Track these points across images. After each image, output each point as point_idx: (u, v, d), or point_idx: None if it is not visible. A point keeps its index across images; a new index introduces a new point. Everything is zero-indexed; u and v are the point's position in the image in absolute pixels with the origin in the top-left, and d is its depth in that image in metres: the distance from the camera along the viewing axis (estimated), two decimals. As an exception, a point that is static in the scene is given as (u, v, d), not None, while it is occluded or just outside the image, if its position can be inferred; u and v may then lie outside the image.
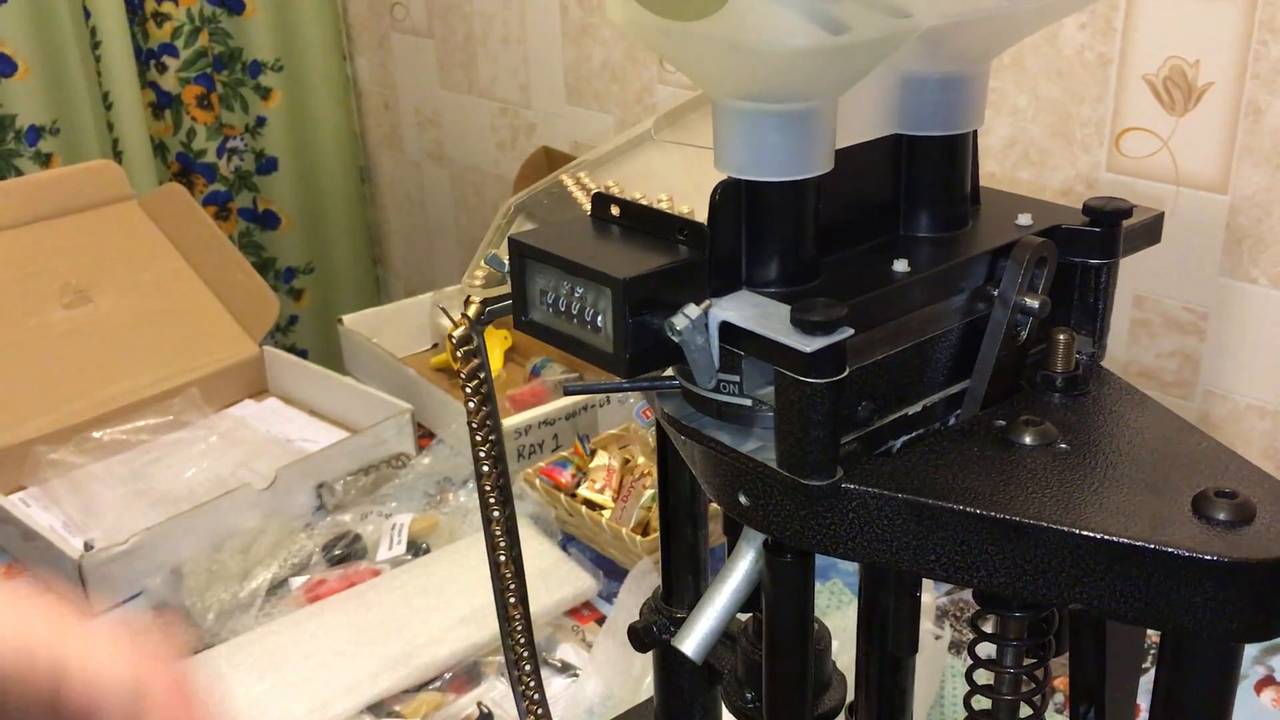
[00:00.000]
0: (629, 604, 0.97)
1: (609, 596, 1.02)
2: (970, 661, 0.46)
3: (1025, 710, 0.48)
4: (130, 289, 1.36)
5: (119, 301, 1.34)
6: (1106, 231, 0.45)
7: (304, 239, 1.97)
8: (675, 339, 0.37)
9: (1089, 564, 0.37)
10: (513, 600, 0.54)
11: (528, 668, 0.55)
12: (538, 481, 1.11)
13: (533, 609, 0.97)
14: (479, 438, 0.50)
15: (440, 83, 1.78)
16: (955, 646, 0.96)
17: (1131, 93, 1.04)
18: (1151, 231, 0.49)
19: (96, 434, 1.22)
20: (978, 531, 0.38)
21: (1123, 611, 0.37)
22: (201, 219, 1.43)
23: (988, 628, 0.47)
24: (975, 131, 0.45)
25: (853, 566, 1.03)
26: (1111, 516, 0.37)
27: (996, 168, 1.15)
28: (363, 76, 1.95)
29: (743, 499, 0.41)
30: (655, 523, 1.05)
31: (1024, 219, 0.45)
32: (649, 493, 1.06)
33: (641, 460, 1.10)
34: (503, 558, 0.52)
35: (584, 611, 1.02)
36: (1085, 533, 0.36)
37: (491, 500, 0.51)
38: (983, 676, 0.47)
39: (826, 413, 0.37)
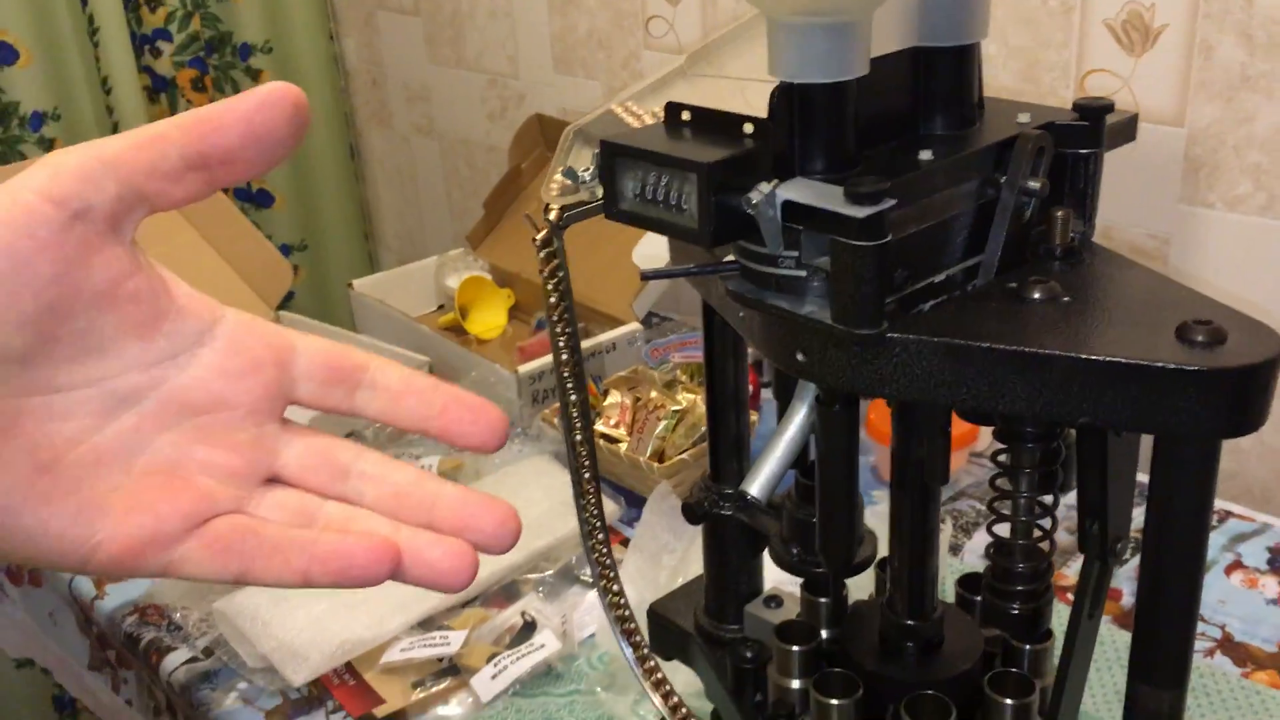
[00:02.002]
0: (652, 523, 1.05)
1: (630, 521, 1.10)
2: (993, 493, 0.54)
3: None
4: (149, 261, 1.41)
5: (140, 273, 1.40)
6: (1093, 125, 0.53)
7: (297, 216, 2.04)
8: (751, 211, 0.45)
9: (1094, 383, 0.45)
10: (587, 476, 0.61)
11: (600, 537, 0.62)
12: (556, 421, 1.19)
13: (561, 534, 1.06)
14: (558, 330, 0.57)
15: (428, 58, 1.85)
16: (954, 549, 1.05)
17: (1093, 37, 1.12)
18: (1128, 129, 0.57)
19: (129, 397, 1.28)
20: (1001, 364, 0.46)
21: (1123, 422, 0.45)
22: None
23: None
24: (979, 44, 0.53)
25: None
26: (1111, 345, 0.45)
27: (970, 113, 1.24)
28: (350, 56, 2.01)
29: (800, 356, 0.49)
30: (669, 451, 1.13)
31: (1023, 117, 0.53)
32: (662, 424, 1.14)
33: (654, 395, 1.18)
34: (579, 436, 0.60)
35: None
36: (1090, 357, 0.44)
37: (569, 385, 0.59)
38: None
39: (874, 271, 0.45)
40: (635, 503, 1.11)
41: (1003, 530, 0.56)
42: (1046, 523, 0.55)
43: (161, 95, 1.86)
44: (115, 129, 1.77)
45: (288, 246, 2.04)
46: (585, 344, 1.31)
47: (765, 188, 0.45)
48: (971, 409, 0.48)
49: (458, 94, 1.83)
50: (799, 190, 0.46)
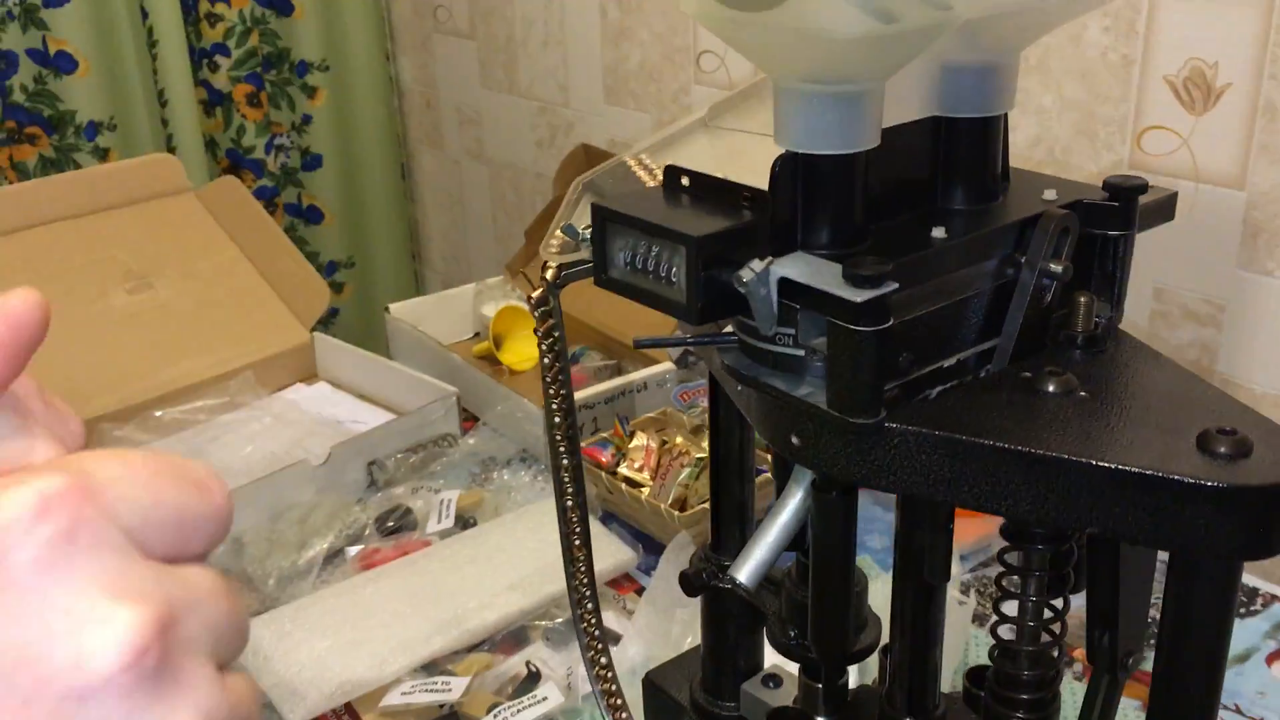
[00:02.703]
0: (668, 574, 1.02)
1: (647, 569, 1.07)
2: (998, 594, 0.51)
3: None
4: (188, 276, 1.42)
5: (178, 288, 1.40)
6: (1124, 205, 0.50)
7: (346, 234, 2.04)
8: (741, 290, 0.42)
9: (1104, 492, 0.41)
10: (578, 543, 0.59)
11: (590, 606, 0.60)
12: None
13: (576, 579, 1.03)
14: (551, 391, 0.55)
15: (481, 82, 1.84)
16: (979, 619, 1.00)
17: (1153, 93, 1.08)
18: (1165, 209, 0.54)
19: (158, 413, 1.28)
20: (1005, 464, 0.43)
21: (1134, 535, 0.42)
22: (255, 211, 1.49)
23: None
24: (1006, 115, 0.50)
25: (877, 544, 1.07)
26: (1125, 450, 0.42)
27: (1022, 164, 1.20)
28: (405, 76, 2.01)
29: (794, 439, 0.46)
30: (692, 499, 1.10)
31: (1049, 194, 0.50)
32: (686, 470, 1.11)
33: (679, 441, 1.15)
34: (570, 503, 0.58)
35: (624, 583, 1.07)
36: (1101, 464, 0.41)
37: (561, 449, 0.56)
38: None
39: (873, 358, 0.42)
40: (654, 549, 1.09)
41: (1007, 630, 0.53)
42: (1056, 626, 0.51)
43: (217, 109, 1.87)
44: (169, 141, 1.78)
45: (335, 264, 2.05)
46: (616, 381, 1.28)
47: (757, 265, 0.42)
48: (973, 507, 0.44)
49: (508, 120, 1.82)
50: (796, 267, 0.44)
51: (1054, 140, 1.17)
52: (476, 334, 1.55)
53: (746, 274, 0.42)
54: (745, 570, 0.50)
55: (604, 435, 1.20)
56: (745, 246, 0.44)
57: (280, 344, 1.42)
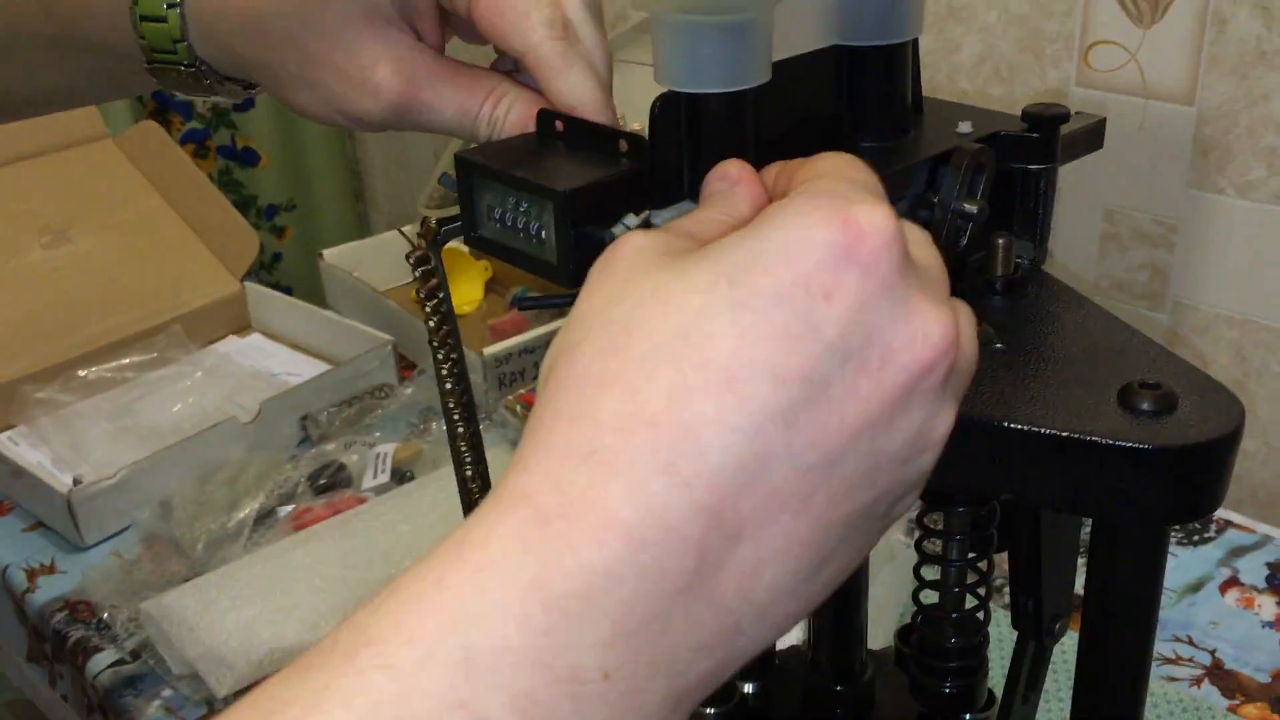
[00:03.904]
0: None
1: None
2: (918, 558, 0.48)
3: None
4: (109, 228, 1.36)
5: (99, 241, 1.34)
6: (1045, 136, 0.46)
7: (284, 176, 1.97)
8: (616, 248, 0.38)
9: (1018, 456, 0.38)
10: (481, 513, 0.55)
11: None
12: (519, 408, 1.13)
13: (516, 531, 1.00)
14: (440, 355, 0.51)
15: (414, 14, 1.77)
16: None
17: (1099, 6, 1.04)
18: (1094, 137, 0.50)
19: (82, 372, 1.23)
20: (913, 428, 0.39)
21: (1052, 500, 0.38)
22: (178, 157, 1.43)
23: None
24: (915, 41, 0.46)
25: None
26: (1040, 410, 0.38)
27: (969, 85, 1.16)
28: (337, 9, 1.93)
29: (692, 405, 0.43)
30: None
31: (964, 126, 0.46)
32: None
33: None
34: (469, 472, 0.54)
35: (566, 533, 1.04)
36: (1013, 425, 0.38)
37: (456, 417, 0.52)
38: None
39: (766, 317, 0.38)
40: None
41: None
42: (982, 590, 0.48)
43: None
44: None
45: (274, 207, 1.98)
46: (556, 323, 1.24)
47: (632, 220, 0.38)
48: (882, 475, 0.41)
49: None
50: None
51: (999, 58, 1.12)
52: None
53: (620, 230, 0.38)
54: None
55: (544, 380, 1.16)
56: (625, 198, 0.40)
57: (210, 295, 1.37)
